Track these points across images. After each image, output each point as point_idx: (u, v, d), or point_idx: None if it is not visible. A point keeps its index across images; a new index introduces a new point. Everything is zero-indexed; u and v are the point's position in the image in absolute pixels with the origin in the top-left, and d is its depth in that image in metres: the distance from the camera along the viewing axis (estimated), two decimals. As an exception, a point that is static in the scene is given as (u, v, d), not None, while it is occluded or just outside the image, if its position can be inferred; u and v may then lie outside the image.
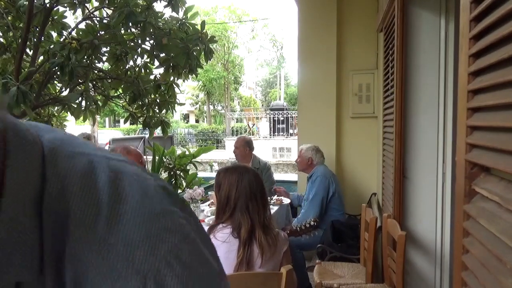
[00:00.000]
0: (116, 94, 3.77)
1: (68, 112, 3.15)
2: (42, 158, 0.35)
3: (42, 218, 0.33)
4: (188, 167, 4.86)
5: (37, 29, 3.01)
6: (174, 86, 3.46)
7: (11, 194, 0.32)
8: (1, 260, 0.31)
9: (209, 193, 3.58)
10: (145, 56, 3.41)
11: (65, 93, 3.34)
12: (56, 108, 3.16)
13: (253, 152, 4.22)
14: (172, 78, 3.41)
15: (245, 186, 1.67)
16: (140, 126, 4.77)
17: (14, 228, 0.32)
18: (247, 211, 1.64)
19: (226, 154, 14.83)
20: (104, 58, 3.31)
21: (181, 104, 4.00)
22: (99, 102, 3.57)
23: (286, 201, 3.64)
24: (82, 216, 0.34)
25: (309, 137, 3.89)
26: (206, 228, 1.70)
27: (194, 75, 3.46)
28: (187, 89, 24.86)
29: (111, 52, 3.19)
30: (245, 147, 4.16)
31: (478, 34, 0.90)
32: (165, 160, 4.69)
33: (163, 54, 3.28)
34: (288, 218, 3.58)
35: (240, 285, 1.53)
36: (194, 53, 3.17)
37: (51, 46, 2.88)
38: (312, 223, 2.21)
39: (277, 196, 3.64)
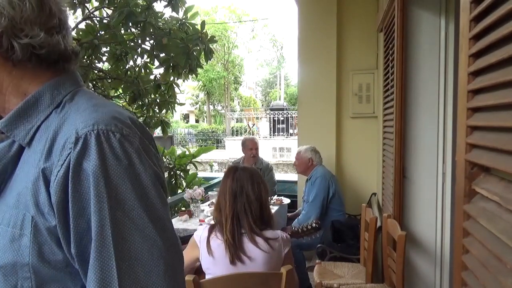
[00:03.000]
0: (116, 94, 3.77)
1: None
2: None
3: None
4: (188, 167, 4.87)
5: (37, 29, 3.00)
6: (174, 86, 3.46)
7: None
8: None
9: (209, 193, 3.58)
10: (145, 56, 3.41)
11: (65, 93, 3.33)
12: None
13: None
14: (172, 78, 3.41)
15: (233, 187, 1.67)
16: (140, 126, 4.75)
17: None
18: (234, 212, 1.63)
19: (226, 154, 14.84)
20: (104, 58, 3.31)
21: (181, 104, 4.00)
22: (99, 102, 3.56)
23: (286, 201, 3.64)
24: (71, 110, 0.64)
25: (309, 137, 3.89)
26: (206, 228, 1.70)
27: (194, 75, 3.46)
28: (187, 89, 24.84)
29: (111, 52, 3.19)
30: (258, 148, 4.18)
31: (478, 34, 0.90)
32: (165, 160, 4.69)
33: (163, 54, 3.28)
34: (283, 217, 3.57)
35: (240, 285, 1.53)
36: (194, 53, 3.17)
37: (51, 46, 2.88)
38: (314, 225, 2.21)
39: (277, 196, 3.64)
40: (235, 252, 1.59)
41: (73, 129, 0.58)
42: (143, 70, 3.51)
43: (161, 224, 0.60)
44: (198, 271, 1.70)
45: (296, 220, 3.31)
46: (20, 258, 0.57)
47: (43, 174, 0.57)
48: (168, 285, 0.58)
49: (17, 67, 0.63)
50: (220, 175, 6.19)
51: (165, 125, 3.62)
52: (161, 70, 3.41)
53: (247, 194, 1.65)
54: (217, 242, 1.63)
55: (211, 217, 2.77)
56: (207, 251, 1.62)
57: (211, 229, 1.67)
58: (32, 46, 0.62)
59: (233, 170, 1.74)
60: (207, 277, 1.62)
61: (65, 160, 0.56)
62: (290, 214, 3.74)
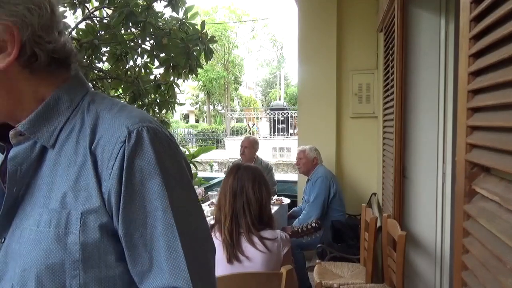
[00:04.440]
0: (116, 94, 3.77)
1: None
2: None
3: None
4: (188, 167, 4.86)
5: (37, 29, 3.00)
6: (174, 86, 3.46)
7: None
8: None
9: (209, 193, 3.58)
10: (145, 56, 3.40)
11: (65, 93, 3.33)
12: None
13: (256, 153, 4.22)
14: (172, 78, 3.41)
15: (234, 186, 1.67)
16: (140, 126, 4.76)
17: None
18: (233, 211, 1.63)
19: (226, 154, 14.83)
20: (104, 58, 3.31)
21: (181, 104, 3.99)
22: (99, 102, 3.56)
23: (286, 201, 3.64)
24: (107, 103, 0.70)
25: (309, 137, 3.89)
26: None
27: (194, 75, 3.46)
28: (187, 89, 24.85)
29: (111, 52, 3.19)
30: (254, 147, 4.15)
31: (478, 34, 0.90)
32: (165, 160, 4.68)
33: (163, 54, 3.28)
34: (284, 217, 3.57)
35: (240, 285, 1.53)
36: (194, 53, 3.17)
37: (51, 46, 2.88)
38: (314, 224, 2.20)
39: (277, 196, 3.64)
40: (232, 251, 1.58)
41: (120, 125, 0.61)
42: (143, 70, 3.50)
43: (202, 212, 0.69)
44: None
45: (296, 220, 3.30)
46: (69, 255, 0.58)
47: (94, 171, 0.59)
48: (212, 270, 0.69)
49: (34, 73, 0.63)
50: (220, 175, 6.19)
51: (165, 125, 3.61)
52: (161, 70, 3.41)
53: (247, 194, 1.64)
54: (216, 243, 1.62)
55: (212, 217, 2.77)
56: None
57: (210, 229, 1.67)
58: (52, 51, 0.63)
59: (235, 169, 1.74)
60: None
61: (118, 153, 0.59)
62: (289, 211, 3.74)
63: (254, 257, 1.60)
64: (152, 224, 0.59)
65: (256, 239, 1.61)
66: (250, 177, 1.68)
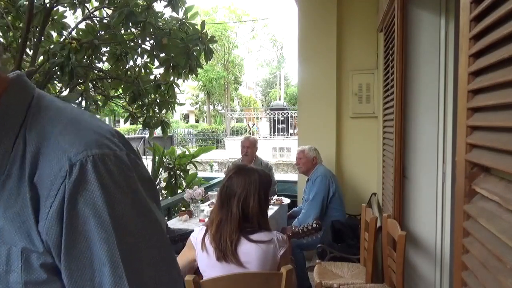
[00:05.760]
0: (116, 94, 3.77)
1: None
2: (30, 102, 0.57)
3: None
4: (188, 167, 4.87)
5: (37, 29, 3.01)
6: (174, 86, 3.46)
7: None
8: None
9: (209, 193, 3.58)
10: (145, 56, 3.41)
11: (65, 93, 3.34)
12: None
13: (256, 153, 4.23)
14: (172, 78, 3.41)
15: (227, 189, 1.66)
16: (140, 126, 4.77)
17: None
18: (227, 212, 1.63)
19: (226, 154, 14.84)
20: (104, 58, 3.31)
21: (181, 104, 4.00)
22: (99, 102, 3.57)
23: (286, 201, 3.64)
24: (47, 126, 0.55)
25: (309, 137, 3.89)
26: (202, 229, 1.70)
27: (194, 75, 3.46)
28: (187, 89, 24.84)
29: (111, 52, 3.19)
30: (256, 147, 4.16)
31: (478, 34, 0.90)
32: (165, 160, 4.69)
33: (163, 54, 3.28)
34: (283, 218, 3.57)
35: (240, 285, 1.52)
36: (194, 53, 3.17)
37: (51, 46, 2.88)
38: (314, 225, 2.20)
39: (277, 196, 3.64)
40: (225, 252, 1.58)
41: (61, 153, 0.51)
42: (143, 70, 3.51)
43: (167, 249, 0.58)
44: (198, 271, 1.70)
45: (296, 219, 3.30)
46: None
47: (32, 207, 0.51)
48: None
49: None
50: (220, 175, 6.19)
51: (165, 125, 3.61)
52: (161, 70, 3.41)
53: (238, 198, 1.62)
54: (210, 246, 1.62)
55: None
56: (201, 252, 1.62)
57: (207, 230, 1.67)
58: None
59: (232, 171, 1.72)
60: (205, 278, 1.62)
61: (58, 191, 0.50)
62: (289, 211, 3.74)
63: (249, 259, 1.58)
64: (99, 282, 0.51)
65: (251, 240, 1.60)
66: (245, 182, 1.65)
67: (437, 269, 2.29)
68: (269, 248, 1.61)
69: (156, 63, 3.43)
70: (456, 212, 1.01)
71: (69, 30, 3.25)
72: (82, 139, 0.53)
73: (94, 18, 3.24)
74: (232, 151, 14.00)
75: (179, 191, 4.57)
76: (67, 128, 0.55)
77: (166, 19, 3.23)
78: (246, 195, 1.63)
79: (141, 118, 3.60)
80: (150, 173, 4.32)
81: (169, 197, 4.30)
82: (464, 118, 0.96)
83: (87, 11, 3.16)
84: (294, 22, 6.24)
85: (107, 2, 3.16)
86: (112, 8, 3.10)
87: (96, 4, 3.27)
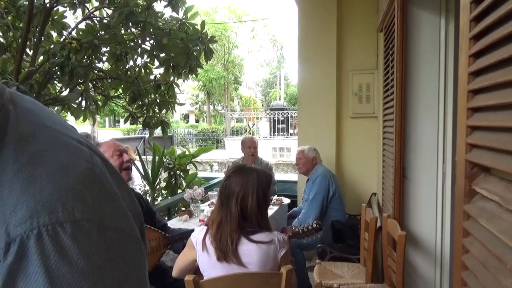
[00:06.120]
0: (116, 94, 3.77)
1: (68, 112, 3.15)
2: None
3: None
4: (188, 167, 4.86)
5: (37, 29, 3.01)
6: (174, 86, 3.46)
7: None
8: None
9: (209, 193, 3.58)
10: (145, 56, 3.41)
11: (65, 93, 3.34)
12: (56, 108, 3.17)
13: None
14: (172, 78, 3.41)
15: (227, 189, 1.66)
16: (140, 126, 4.77)
17: None
18: (228, 213, 1.63)
19: (226, 154, 14.84)
20: (104, 58, 3.31)
21: (181, 104, 4.00)
22: (99, 102, 3.57)
23: (286, 201, 3.64)
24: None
25: (309, 137, 3.89)
26: (203, 229, 1.70)
27: (194, 75, 3.46)
28: (187, 89, 24.85)
29: (111, 52, 3.19)
30: (258, 147, 4.17)
31: (478, 34, 0.90)
32: (165, 160, 4.69)
33: (163, 54, 3.28)
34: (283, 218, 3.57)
35: (240, 285, 1.52)
36: (194, 53, 3.17)
37: (51, 46, 2.88)
38: (315, 225, 2.20)
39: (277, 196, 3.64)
40: (226, 252, 1.58)
41: (4, 218, 0.37)
42: (143, 70, 3.51)
43: None
44: (198, 271, 1.70)
45: (296, 219, 3.30)
46: None
47: None
48: None
49: None
50: (220, 175, 6.19)
51: (165, 125, 3.62)
52: (161, 70, 3.41)
53: (237, 197, 1.62)
54: (211, 246, 1.62)
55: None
56: (202, 252, 1.62)
57: (207, 230, 1.67)
58: None
59: (231, 171, 1.72)
60: (205, 278, 1.62)
61: None
62: (289, 211, 3.74)
63: (249, 260, 1.58)
64: None
65: (252, 241, 1.60)
66: (245, 182, 1.64)
67: (437, 269, 2.29)
68: (269, 249, 1.61)
69: (156, 63, 3.44)
70: (456, 212, 1.01)
71: (69, 30, 3.26)
72: (31, 198, 0.38)
73: (94, 18, 3.24)
74: (232, 151, 14.00)
75: (179, 191, 4.57)
76: (19, 174, 0.39)
77: (166, 19, 3.23)
78: (244, 194, 1.62)
79: (141, 118, 3.60)
80: (150, 173, 4.26)
81: (169, 197, 4.30)
82: (464, 118, 0.96)
83: (87, 11, 3.16)
84: (294, 22, 6.24)
85: (107, 2, 3.16)
86: (112, 8, 3.10)
87: (96, 4, 3.27)
